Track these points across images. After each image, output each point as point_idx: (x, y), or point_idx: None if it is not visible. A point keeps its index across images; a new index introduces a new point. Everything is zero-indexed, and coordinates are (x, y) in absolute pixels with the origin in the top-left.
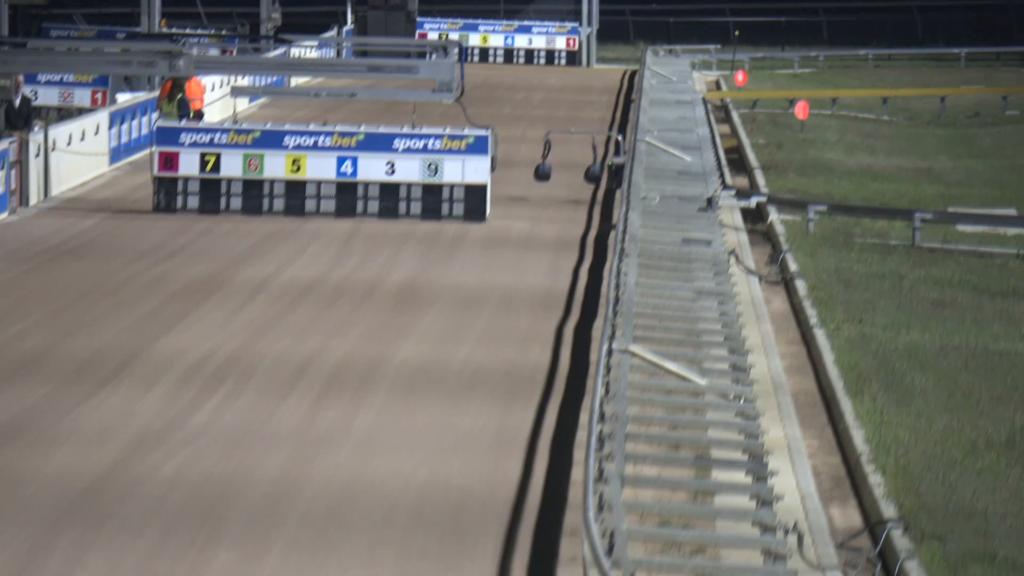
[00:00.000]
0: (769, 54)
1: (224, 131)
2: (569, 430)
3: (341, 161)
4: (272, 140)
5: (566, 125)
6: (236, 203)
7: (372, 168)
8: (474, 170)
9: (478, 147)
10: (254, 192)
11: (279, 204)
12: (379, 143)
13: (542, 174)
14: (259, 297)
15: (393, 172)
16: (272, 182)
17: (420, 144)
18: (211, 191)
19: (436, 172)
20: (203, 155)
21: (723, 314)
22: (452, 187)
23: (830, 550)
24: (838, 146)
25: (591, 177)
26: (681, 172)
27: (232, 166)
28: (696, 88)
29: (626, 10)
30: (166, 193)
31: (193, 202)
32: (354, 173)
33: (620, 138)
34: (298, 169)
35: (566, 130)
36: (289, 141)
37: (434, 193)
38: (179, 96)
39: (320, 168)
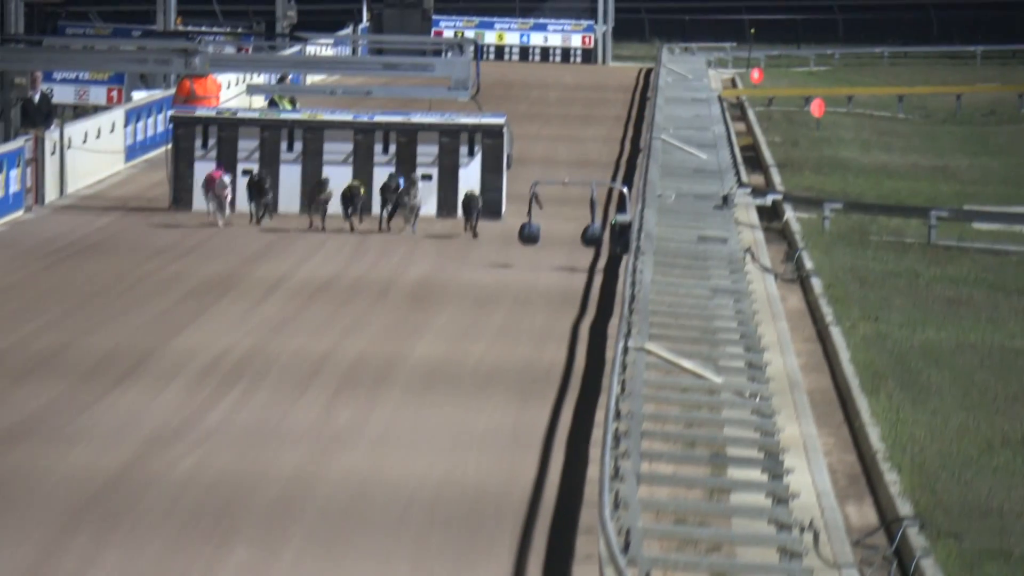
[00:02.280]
0: (785, 52)
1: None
2: (585, 428)
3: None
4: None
5: (581, 123)
6: None
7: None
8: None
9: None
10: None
11: (294, 202)
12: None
13: (528, 237)
14: (274, 295)
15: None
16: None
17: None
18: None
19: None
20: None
21: (739, 312)
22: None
23: (846, 548)
24: (853, 144)
25: (590, 240)
26: (697, 170)
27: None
28: (712, 86)
29: (642, 8)
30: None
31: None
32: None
33: (626, 190)
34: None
35: (558, 180)
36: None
37: (450, 190)
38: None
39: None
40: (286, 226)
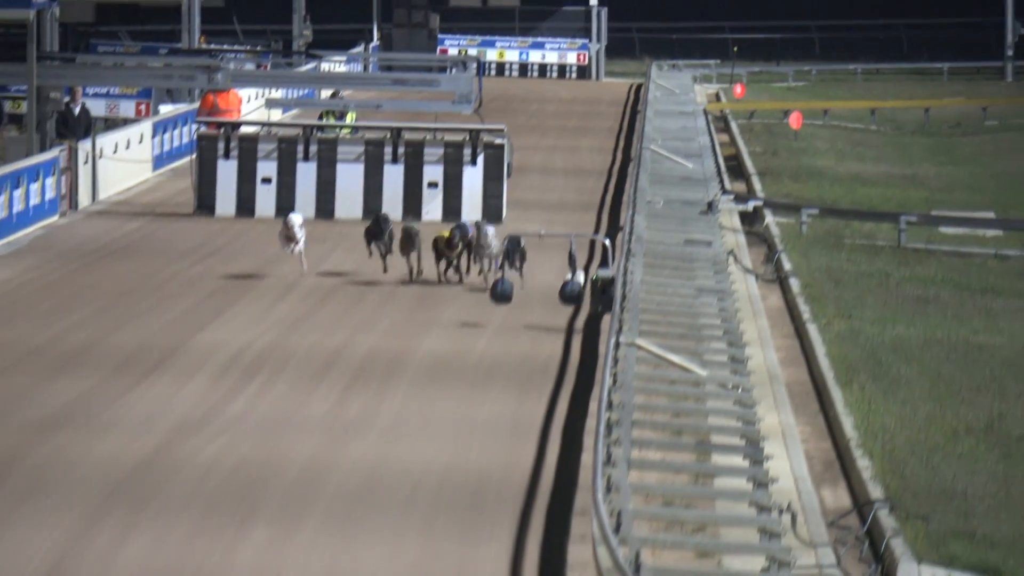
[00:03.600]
0: (765, 68)
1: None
2: (579, 418)
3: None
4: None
5: (576, 135)
6: (269, 207)
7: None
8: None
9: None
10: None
11: (310, 208)
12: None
13: (500, 295)
14: (291, 294)
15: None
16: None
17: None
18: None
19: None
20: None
21: (722, 310)
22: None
23: (821, 529)
24: (829, 154)
25: (568, 297)
26: (683, 178)
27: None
28: (697, 100)
29: (632, 27)
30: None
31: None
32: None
33: (607, 243)
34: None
35: (534, 232)
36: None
37: (454, 196)
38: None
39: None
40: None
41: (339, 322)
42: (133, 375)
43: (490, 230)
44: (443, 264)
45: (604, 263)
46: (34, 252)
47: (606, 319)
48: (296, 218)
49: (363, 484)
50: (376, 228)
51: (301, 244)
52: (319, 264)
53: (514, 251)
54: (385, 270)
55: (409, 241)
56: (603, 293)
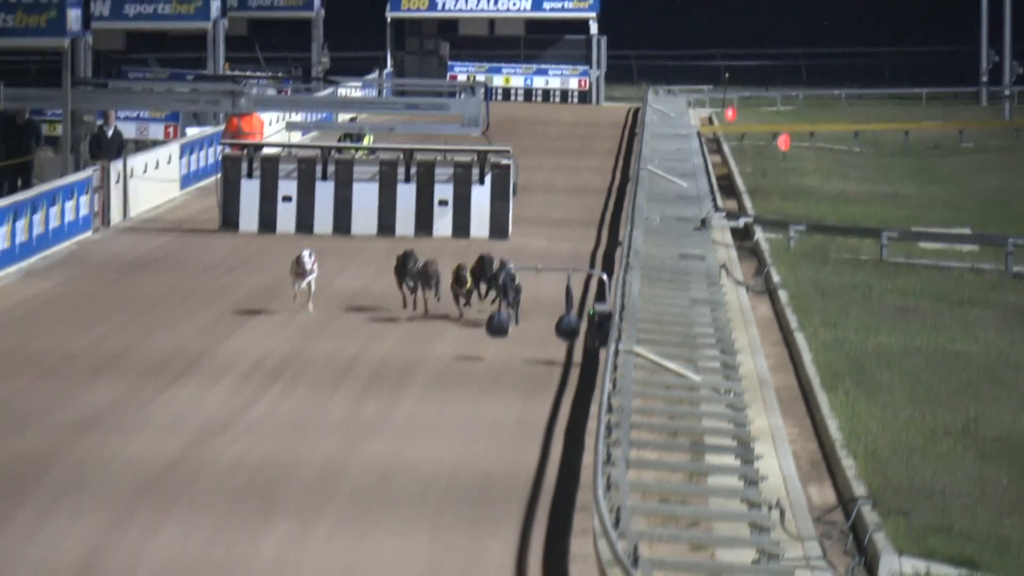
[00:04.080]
0: (755, 93)
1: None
2: (581, 420)
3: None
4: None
5: (578, 155)
6: (289, 224)
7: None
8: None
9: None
10: (306, 213)
11: (327, 224)
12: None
13: (496, 328)
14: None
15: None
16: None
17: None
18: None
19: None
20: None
21: (715, 319)
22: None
23: (808, 524)
24: (815, 174)
25: (565, 331)
26: (678, 196)
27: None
28: (691, 123)
29: (631, 55)
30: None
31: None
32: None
33: (605, 277)
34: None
35: (531, 266)
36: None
37: (463, 213)
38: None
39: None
40: (318, 246)
41: (355, 330)
42: (162, 380)
43: (511, 266)
44: (460, 299)
45: (600, 298)
46: (69, 266)
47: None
48: (307, 253)
49: (377, 482)
50: (405, 266)
51: (313, 276)
52: (336, 276)
53: (508, 284)
54: (408, 305)
55: (430, 278)
56: (600, 328)
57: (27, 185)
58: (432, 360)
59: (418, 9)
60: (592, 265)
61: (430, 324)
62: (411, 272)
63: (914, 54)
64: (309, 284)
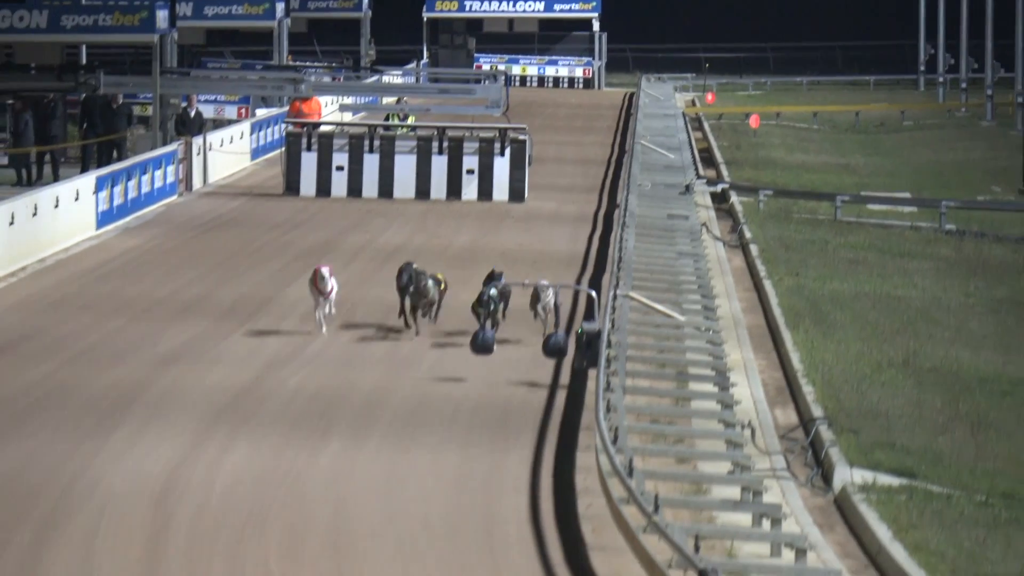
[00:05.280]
0: (731, 80)
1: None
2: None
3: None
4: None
5: (583, 132)
6: (342, 189)
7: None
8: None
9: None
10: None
11: (373, 190)
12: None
13: (480, 346)
14: (359, 258)
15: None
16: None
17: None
18: (325, 179)
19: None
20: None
21: (697, 269)
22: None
23: (775, 440)
24: (781, 147)
25: (552, 350)
26: (666, 166)
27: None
28: (677, 105)
29: (627, 48)
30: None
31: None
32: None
33: (593, 293)
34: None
35: (518, 281)
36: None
37: (487, 181)
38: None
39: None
40: (366, 207)
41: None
42: (235, 321)
43: (545, 283)
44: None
45: (589, 315)
46: (157, 224)
47: (605, 277)
48: (326, 271)
49: (416, 406)
50: (406, 281)
51: (333, 295)
52: (382, 233)
53: (506, 298)
54: (410, 328)
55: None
56: (588, 347)
57: (121, 158)
58: (460, 304)
59: (450, 10)
60: (593, 228)
61: (461, 273)
62: (406, 288)
63: (864, 47)
64: (330, 308)
